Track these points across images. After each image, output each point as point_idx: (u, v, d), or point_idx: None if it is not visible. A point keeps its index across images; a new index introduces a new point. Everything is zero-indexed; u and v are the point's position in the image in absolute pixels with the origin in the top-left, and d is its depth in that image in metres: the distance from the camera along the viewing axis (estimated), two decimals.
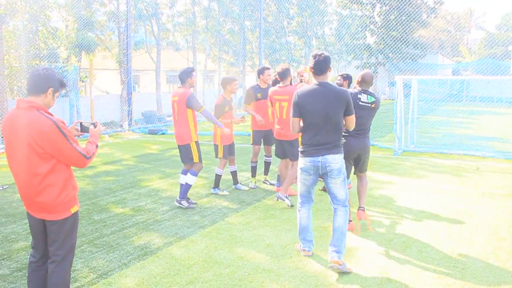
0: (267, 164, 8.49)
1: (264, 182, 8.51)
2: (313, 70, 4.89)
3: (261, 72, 8.05)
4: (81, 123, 3.80)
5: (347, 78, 7.73)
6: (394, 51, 32.19)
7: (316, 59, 4.84)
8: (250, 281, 4.53)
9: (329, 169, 4.82)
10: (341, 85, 7.76)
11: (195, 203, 7.10)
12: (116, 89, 21.47)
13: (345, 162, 5.12)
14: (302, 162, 4.96)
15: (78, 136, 3.78)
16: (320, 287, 4.42)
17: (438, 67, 39.45)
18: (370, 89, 6.07)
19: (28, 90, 3.47)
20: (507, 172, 9.66)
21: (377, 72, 36.17)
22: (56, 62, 17.17)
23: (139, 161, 10.85)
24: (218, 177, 7.86)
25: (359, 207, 6.19)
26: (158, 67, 21.63)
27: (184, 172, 7.12)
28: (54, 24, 18.01)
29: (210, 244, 5.51)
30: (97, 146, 3.70)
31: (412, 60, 34.70)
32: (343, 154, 4.96)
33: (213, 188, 7.85)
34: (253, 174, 8.30)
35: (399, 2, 30.36)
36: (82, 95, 18.54)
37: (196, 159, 6.96)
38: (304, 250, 5.16)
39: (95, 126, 3.78)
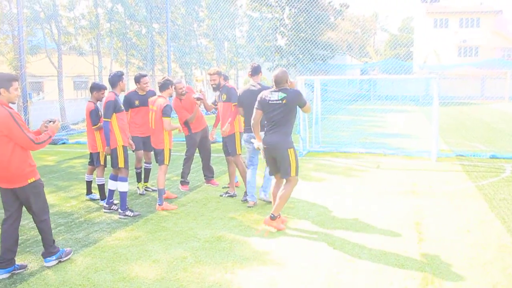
0: (147, 171, 8.31)
1: (146, 189, 8.29)
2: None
3: (137, 80, 7.86)
4: (49, 121, 5.01)
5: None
6: (304, 53, 32.88)
7: None
8: None
9: None
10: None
11: (139, 214, 6.85)
12: None
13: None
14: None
15: (46, 130, 4.94)
16: None
17: (347, 67, 40.80)
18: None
19: None
20: (405, 169, 9.95)
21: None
22: None
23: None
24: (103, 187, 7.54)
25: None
26: (60, 73, 20.45)
27: (113, 178, 6.90)
28: None
29: (91, 264, 5.07)
30: (50, 137, 4.89)
31: (321, 61, 35.59)
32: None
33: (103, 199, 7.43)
34: (139, 179, 8.18)
35: (307, 5, 31.03)
36: None
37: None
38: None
39: (53, 123, 5.00)
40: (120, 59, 25.79)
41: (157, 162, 7.36)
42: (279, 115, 6.01)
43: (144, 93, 7.77)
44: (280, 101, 5.95)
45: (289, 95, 5.96)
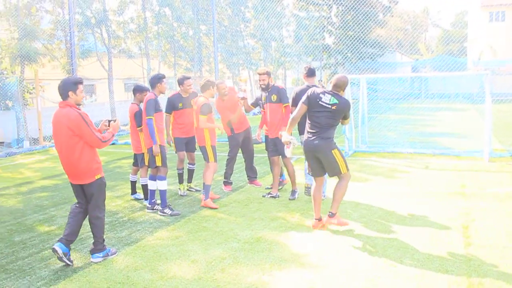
0: (191, 172, 8.38)
1: (189, 190, 8.36)
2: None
3: (180, 82, 7.91)
4: (108, 121, 5.34)
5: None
6: (353, 51, 32.34)
7: None
8: None
9: None
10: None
11: (178, 213, 6.93)
12: None
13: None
14: None
15: (106, 130, 5.27)
16: None
17: (397, 65, 39.95)
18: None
19: (61, 97, 5.04)
20: (455, 170, 9.59)
21: (337, 73, 36.25)
22: (1, 74, 16.50)
23: None
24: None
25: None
26: (110, 76, 21.06)
27: (152, 178, 7.03)
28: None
29: (131, 263, 5.16)
30: (113, 135, 5.26)
31: (370, 59, 34.89)
32: None
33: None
34: (180, 181, 8.23)
35: (355, 2, 30.53)
36: (31, 107, 17.83)
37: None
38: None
39: (114, 122, 5.32)
40: (168, 61, 26.26)
41: (205, 160, 7.48)
42: (325, 119, 5.89)
43: (187, 95, 7.85)
44: (330, 106, 5.83)
45: (341, 103, 5.84)
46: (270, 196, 7.75)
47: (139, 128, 7.16)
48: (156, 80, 6.98)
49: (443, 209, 6.81)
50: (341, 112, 5.89)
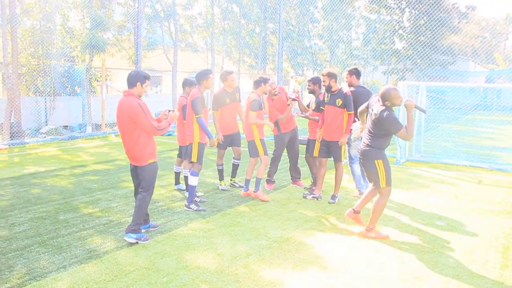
0: (235, 167, 8.47)
1: (232, 184, 8.45)
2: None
3: (223, 78, 7.96)
4: (169, 110, 5.77)
5: (317, 81, 8.02)
6: (423, 57, 31.41)
7: None
8: None
9: None
10: (312, 90, 8.03)
11: (203, 209, 6.98)
12: None
13: None
14: None
15: (166, 119, 5.69)
16: None
17: (469, 75, 38.29)
18: None
19: (127, 85, 5.52)
20: (510, 187, 9.13)
21: (404, 79, 35.27)
22: (72, 62, 17.39)
23: None
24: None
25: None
26: (174, 68, 21.65)
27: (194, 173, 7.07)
28: (72, 24, 18.23)
29: (160, 250, 5.34)
30: (169, 124, 5.64)
31: (441, 66, 33.68)
32: None
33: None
34: (221, 177, 8.32)
35: (429, 7, 29.61)
36: (98, 94, 18.68)
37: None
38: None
39: (173, 112, 5.75)
40: (232, 57, 26.62)
41: (250, 155, 7.67)
42: (372, 126, 5.85)
43: (232, 89, 7.93)
44: (375, 115, 5.76)
45: (380, 116, 5.68)
46: (313, 197, 7.72)
47: (185, 120, 7.34)
48: (203, 76, 6.94)
49: (486, 227, 6.52)
50: (380, 124, 5.71)
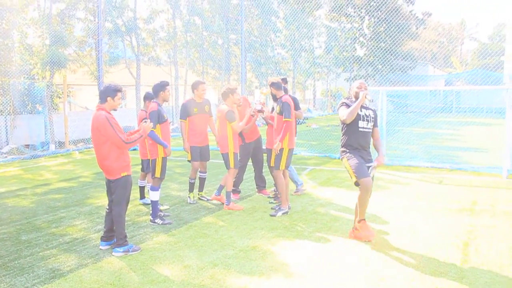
0: (202, 180, 8.41)
1: (200, 198, 8.40)
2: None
3: (195, 87, 7.93)
4: (145, 121, 5.89)
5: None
6: (384, 63, 32.06)
7: None
8: None
9: None
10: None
11: (169, 222, 6.93)
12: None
13: None
14: None
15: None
16: None
17: (429, 78, 39.33)
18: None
19: (99, 99, 5.66)
20: (469, 186, 9.42)
21: (368, 85, 35.96)
22: (32, 79, 17.07)
23: (97, 178, 10.64)
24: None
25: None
26: (138, 83, 21.49)
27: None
28: (31, 41, 17.91)
29: (126, 266, 5.29)
30: (141, 136, 5.74)
31: (402, 71, 34.46)
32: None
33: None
34: (191, 189, 8.25)
35: (387, 15, 30.32)
36: (60, 111, 18.38)
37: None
38: None
39: (145, 122, 5.86)
40: (196, 69, 26.61)
41: (226, 167, 7.68)
42: None
43: (201, 100, 7.92)
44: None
45: None
46: (283, 214, 7.49)
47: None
48: (160, 87, 6.91)
49: (448, 225, 6.71)
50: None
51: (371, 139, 6.18)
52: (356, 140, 6.00)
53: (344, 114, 5.92)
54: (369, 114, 6.08)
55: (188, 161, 8.15)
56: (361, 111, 5.98)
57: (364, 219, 6.06)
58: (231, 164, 7.57)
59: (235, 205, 7.73)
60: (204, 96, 8.01)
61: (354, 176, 5.90)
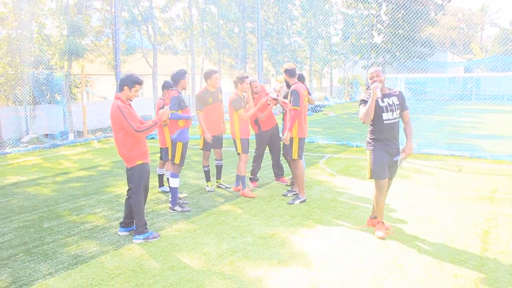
0: (218, 168, 8.45)
1: (218, 186, 8.44)
2: None
3: (208, 76, 7.94)
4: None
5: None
6: (402, 50, 31.71)
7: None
8: None
9: None
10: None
11: (188, 210, 7.01)
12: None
13: None
14: None
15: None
16: None
17: (448, 65, 38.76)
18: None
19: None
20: (489, 174, 9.32)
21: (385, 72, 35.60)
22: (50, 69, 17.25)
23: (115, 167, 10.76)
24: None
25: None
26: (155, 72, 21.60)
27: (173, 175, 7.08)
28: (49, 31, 18.07)
29: (146, 252, 5.37)
30: (156, 123, 5.71)
31: (420, 58, 34.05)
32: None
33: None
34: (208, 178, 8.29)
35: (406, 0, 29.89)
36: (79, 101, 18.55)
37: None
38: None
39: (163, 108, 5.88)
40: (213, 58, 26.62)
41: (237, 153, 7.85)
42: None
43: (214, 89, 7.95)
44: None
45: None
46: (294, 193, 7.76)
47: (164, 122, 7.33)
48: (179, 76, 6.95)
49: (467, 213, 6.66)
50: None
51: (398, 129, 5.78)
52: (382, 133, 5.67)
53: (361, 114, 5.63)
54: (393, 102, 5.65)
55: (201, 149, 8.19)
56: (382, 101, 5.62)
57: (382, 222, 5.89)
58: (239, 149, 7.73)
59: (249, 191, 7.78)
60: (218, 84, 8.01)
61: (369, 173, 5.84)
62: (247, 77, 7.78)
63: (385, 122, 5.63)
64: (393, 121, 5.66)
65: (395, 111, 5.65)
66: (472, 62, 40.73)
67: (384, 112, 5.62)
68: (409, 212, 6.73)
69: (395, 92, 5.80)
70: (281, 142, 8.19)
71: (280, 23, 29.69)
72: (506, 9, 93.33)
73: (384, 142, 5.70)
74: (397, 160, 5.78)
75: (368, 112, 5.57)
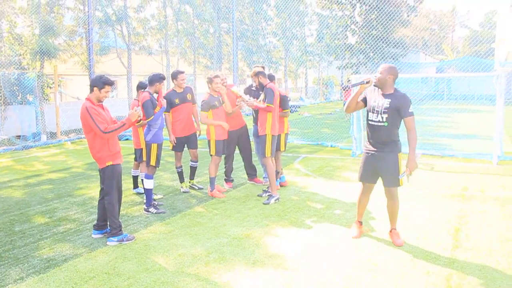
0: (193, 169, 8.42)
1: (191, 187, 8.41)
2: None
3: (174, 76, 7.93)
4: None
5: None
6: (375, 51, 32.11)
7: None
8: None
9: None
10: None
11: (163, 211, 6.97)
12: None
13: None
14: None
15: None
16: None
17: (421, 66, 39.38)
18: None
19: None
20: (460, 172, 9.50)
21: (359, 72, 36.00)
22: (22, 69, 16.92)
23: (89, 168, 10.63)
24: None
25: None
26: (129, 72, 21.40)
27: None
28: (20, 30, 17.74)
29: (120, 255, 5.31)
30: (124, 124, 5.62)
31: (393, 59, 34.52)
32: None
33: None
34: (181, 179, 8.28)
35: (379, 2, 30.25)
36: (51, 101, 18.25)
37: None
38: None
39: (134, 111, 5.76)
40: (188, 58, 26.50)
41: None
42: None
43: (182, 90, 7.89)
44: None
45: None
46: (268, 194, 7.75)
47: (138, 124, 7.28)
48: (157, 79, 6.92)
49: (439, 211, 6.79)
50: None
51: (387, 134, 5.40)
52: (369, 133, 5.52)
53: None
54: (382, 104, 5.26)
55: (171, 149, 8.14)
56: (374, 101, 5.36)
57: (359, 221, 5.93)
58: (212, 151, 7.70)
59: (217, 192, 7.81)
60: (184, 85, 7.97)
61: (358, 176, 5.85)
62: (217, 76, 7.71)
63: (369, 122, 5.45)
64: (376, 123, 5.36)
65: (380, 114, 5.29)
66: (443, 62, 41.46)
67: (370, 111, 5.42)
68: (382, 210, 6.80)
69: (397, 94, 5.32)
70: (252, 142, 8.25)
71: (255, 24, 29.74)
72: (475, 11, 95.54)
73: (373, 145, 5.53)
74: (389, 168, 5.55)
75: (348, 103, 5.63)
